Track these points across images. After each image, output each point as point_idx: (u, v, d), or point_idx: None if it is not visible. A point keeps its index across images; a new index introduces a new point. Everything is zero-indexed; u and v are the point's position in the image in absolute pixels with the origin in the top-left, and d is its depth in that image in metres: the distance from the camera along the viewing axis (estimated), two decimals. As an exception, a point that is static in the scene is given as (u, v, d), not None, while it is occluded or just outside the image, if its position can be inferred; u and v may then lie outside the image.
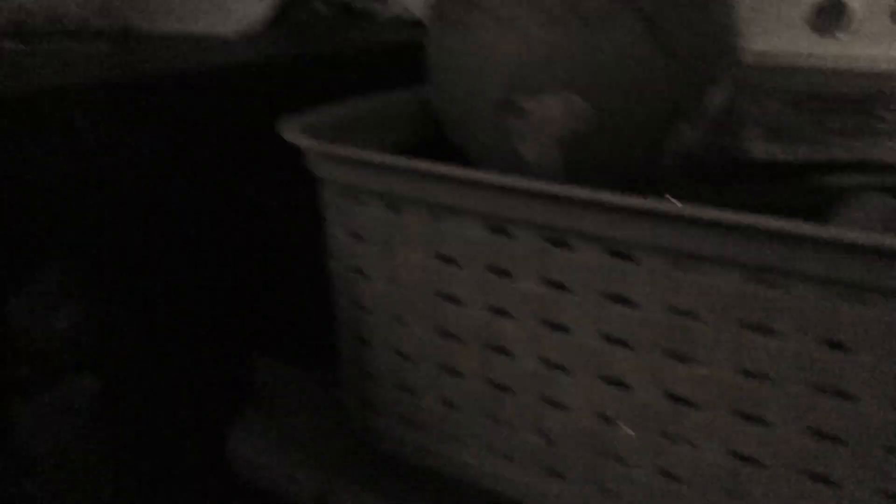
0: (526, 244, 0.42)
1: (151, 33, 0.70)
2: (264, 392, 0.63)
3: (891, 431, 0.34)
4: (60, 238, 0.55)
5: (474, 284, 0.45)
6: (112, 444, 0.63)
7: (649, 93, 0.51)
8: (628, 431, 0.42)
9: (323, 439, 0.56)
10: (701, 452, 0.39)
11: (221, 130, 0.59)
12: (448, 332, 0.47)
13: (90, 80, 0.53)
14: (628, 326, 0.40)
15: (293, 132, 0.48)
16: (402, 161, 0.45)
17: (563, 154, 0.51)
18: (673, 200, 0.50)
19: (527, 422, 0.45)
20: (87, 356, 0.65)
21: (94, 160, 0.55)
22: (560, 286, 0.42)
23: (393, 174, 0.45)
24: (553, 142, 0.51)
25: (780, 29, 0.76)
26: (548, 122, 0.51)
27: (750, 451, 0.38)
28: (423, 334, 0.48)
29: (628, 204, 0.37)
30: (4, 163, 0.50)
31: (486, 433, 0.48)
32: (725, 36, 0.56)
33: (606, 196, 0.37)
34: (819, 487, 0.37)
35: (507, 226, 0.42)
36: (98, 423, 0.65)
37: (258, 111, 0.53)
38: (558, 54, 0.50)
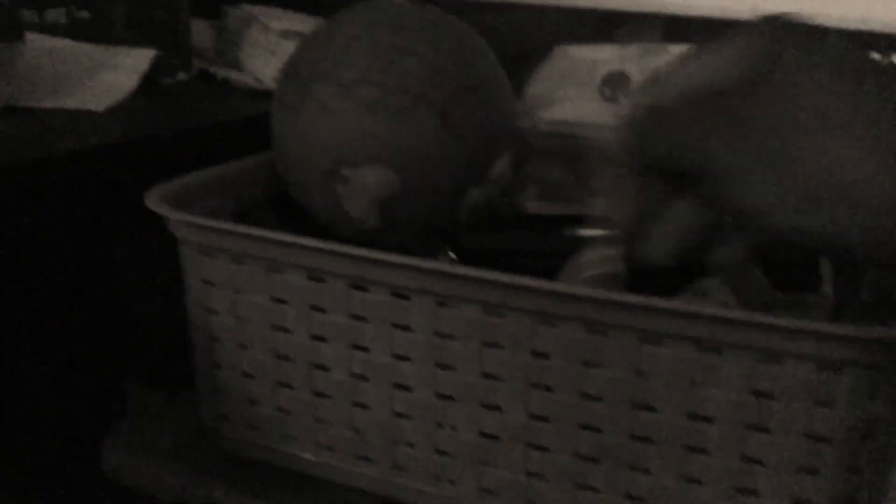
0: (336, 287, 0.53)
1: (34, 109, 0.74)
2: (134, 410, 0.72)
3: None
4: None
5: (299, 318, 0.55)
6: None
7: (444, 166, 0.61)
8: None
9: (182, 446, 0.64)
10: (461, 434, 0.53)
11: (98, 200, 0.67)
12: (281, 354, 0.57)
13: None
14: (409, 346, 0.52)
15: (155, 201, 0.56)
16: (239, 228, 0.54)
17: (379, 212, 0.61)
18: (451, 255, 0.64)
19: (342, 420, 0.57)
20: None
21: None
22: (362, 318, 0.53)
23: (234, 237, 0.54)
24: (371, 202, 0.61)
25: (576, 98, 0.80)
26: (366, 188, 0.60)
27: (491, 430, 0.52)
28: (262, 357, 0.57)
29: (401, 262, 0.49)
30: None
31: (313, 431, 0.58)
32: (506, 120, 0.66)
33: (385, 255, 0.50)
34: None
35: (322, 275, 0.53)
36: None
37: (131, 179, 0.60)
38: (371, 137, 0.59)
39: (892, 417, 0.44)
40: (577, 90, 0.83)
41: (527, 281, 0.47)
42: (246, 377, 0.59)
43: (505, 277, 0.48)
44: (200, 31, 0.96)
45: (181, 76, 0.90)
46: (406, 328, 0.53)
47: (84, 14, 0.87)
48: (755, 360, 0.44)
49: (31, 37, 0.80)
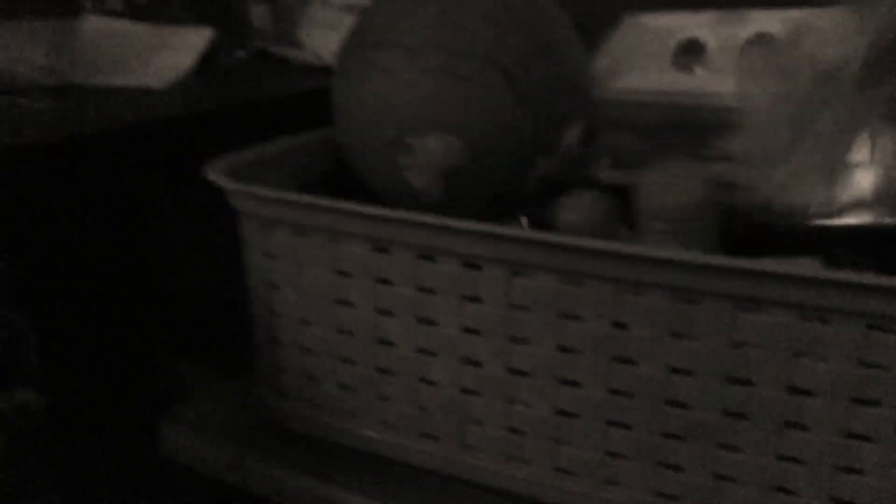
0: (402, 258, 0.51)
1: (92, 87, 0.74)
2: (191, 392, 0.71)
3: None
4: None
5: (363, 291, 0.53)
6: (56, 441, 0.69)
7: (512, 133, 0.58)
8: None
9: (240, 426, 0.63)
10: (533, 409, 0.51)
11: (158, 174, 0.67)
12: (343, 329, 0.55)
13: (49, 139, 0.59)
14: (479, 319, 0.50)
15: (216, 174, 0.55)
16: (303, 198, 0.53)
17: (444, 182, 0.59)
18: (522, 221, 0.61)
19: (406, 397, 0.55)
20: (30, 372, 0.71)
21: (47, 203, 0.61)
22: (429, 290, 0.51)
23: (297, 208, 0.53)
24: (435, 173, 0.59)
25: (648, 68, 0.77)
26: (430, 157, 0.58)
27: (568, 407, 0.50)
28: (324, 332, 0.56)
29: (474, 228, 0.47)
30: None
31: (376, 408, 0.56)
32: (578, 86, 0.63)
33: (455, 222, 0.48)
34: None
35: (388, 245, 0.51)
36: (44, 434, 0.71)
37: (190, 154, 0.59)
38: (437, 104, 0.57)
39: None
40: (649, 60, 0.80)
41: (608, 245, 0.44)
42: (307, 353, 0.58)
43: (585, 242, 0.45)
44: (258, 12, 0.95)
45: (239, 54, 0.90)
46: (476, 300, 0.50)
47: (142, 0, 0.87)
48: (865, 326, 0.40)
49: (91, 18, 0.80)
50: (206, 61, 0.84)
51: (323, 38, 0.89)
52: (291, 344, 0.58)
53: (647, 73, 0.75)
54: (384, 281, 0.53)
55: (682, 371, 0.46)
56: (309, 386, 0.59)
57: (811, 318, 0.42)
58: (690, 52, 0.76)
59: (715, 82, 0.73)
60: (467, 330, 0.51)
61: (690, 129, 0.68)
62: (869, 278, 0.39)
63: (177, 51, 0.82)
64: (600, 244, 0.45)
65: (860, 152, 0.53)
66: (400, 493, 0.55)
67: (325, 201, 0.52)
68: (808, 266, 0.46)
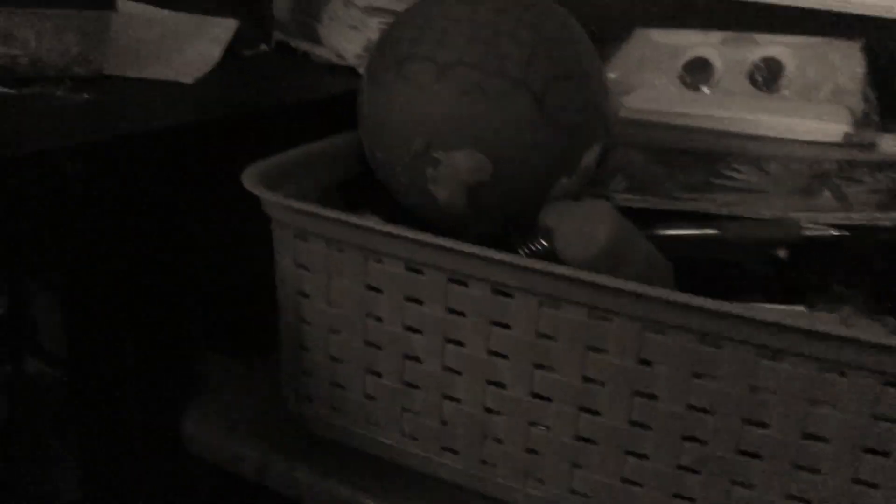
0: (434, 280, 0.52)
1: (124, 79, 0.75)
2: (213, 383, 0.72)
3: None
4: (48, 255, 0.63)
5: (393, 307, 0.54)
6: (80, 429, 0.71)
7: (537, 153, 0.59)
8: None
9: (264, 422, 0.64)
10: (554, 434, 0.52)
11: (192, 174, 0.68)
12: (371, 342, 0.56)
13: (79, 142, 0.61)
14: (506, 343, 0.52)
15: (252, 182, 0.56)
16: (339, 214, 0.53)
17: (467, 197, 0.60)
18: (539, 245, 0.62)
19: (429, 411, 0.56)
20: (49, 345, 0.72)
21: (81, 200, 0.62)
22: (458, 312, 0.52)
23: (330, 223, 0.54)
24: (460, 187, 0.60)
25: (656, 85, 0.80)
26: (456, 172, 0.59)
27: (587, 433, 0.52)
28: (352, 343, 0.57)
29: (505, 259, 0.49)
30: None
31: (398, 420, 0.58)
32: (600, 109, 0.64)
33: (488, 252, 0.49)
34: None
35: (420, 266, 0.52)
36: (65, 412, 0.72)
37: (224, 154, 0.61)
38: (466, 120, 0.58)
39: None
40: (657, 76, 0.82)
41: (631, 286, 0.46)
42: (333, 361, 0.59)
43: (614, 282, 0.47)
44: (280, 4, 0.95)
45: (262, 48, 0.89)
46: (505, 326, 0.52)
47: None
48: (882, 383, 0.43)
49: (122, 4, 0.80)
50: (229, 53, 0.84)
51: (345, 38, 0.89)
52: (318, 351, 0.60)
53: (656, 90, 0.76)
54: (414, 300, 0.54)
55: (701, 409, 0.48)
56: (334, 392, 0.60)
57: (829, 370, 0.44)
58: (698, 70, 0.77)
59: (720, 104, 0.74)
60: (493, 353, 0.53)
61: (700, 156, 0.69)
62: (886, 338, 0.41)
63: (205, 42, 0.82)
64: (624, 284, 0.46)
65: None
66: (417, 501, 0.57)
67: (358, 219, 0.53)
68: (827, 320, 0.48)
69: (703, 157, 0.69)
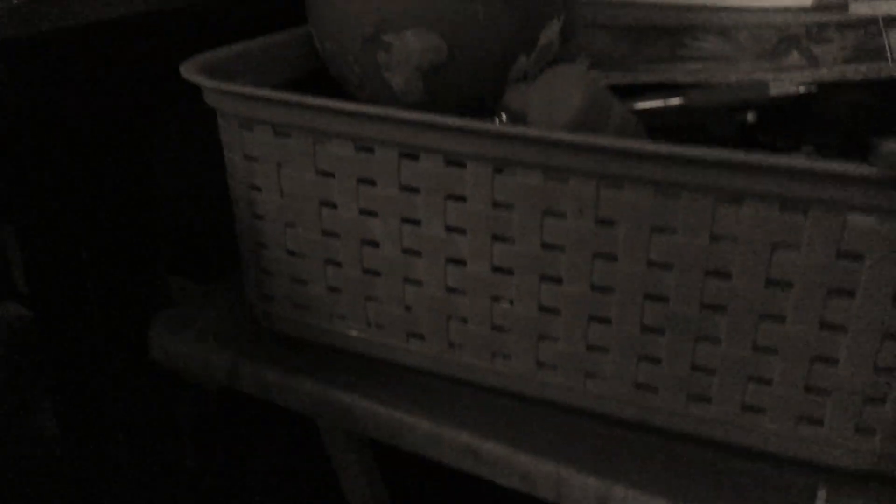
0: (385, 158, 0.51)
1: None
2: (175, 301, 0.71)
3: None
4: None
5: (347, 192, 0.53)
6: (51, 364, 0.69)
7: (492, 29, 0.57)
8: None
9: (228, 328, 0.63)
10: (518, 308, 0.52)
11: (131, 73, 0.65)
12: (329, 231, 0.55)
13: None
14: (463, 217, 0.50)
15: (192, 72, 0.54)
16: (284, 95, 0.51)
17: (423, 82, 0.58)
18: (501, 118, 0.60)
19: (392, 297, 0.55)
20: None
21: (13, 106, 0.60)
22: (413, 189, 0.51)
23: (277, 106, 0.52)
24: (415, 71, 0.58)
25: None
26: (409, 55, 0.57)
27: (550, 303, 0.51)
28: (309, 235, 0.56)
29: (457, 124, 0.47)
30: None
31: (362, 310, 0.57)
32: None
33: (440, 118, 0.47)
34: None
35: (371, 144, 0.51)
36: (31, 345, 0.71)
37: (165, 53, 0.58)
38: None
39: None
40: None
41: (589, 139, 0.44)
42: (292, 256, 0.58)
43: (569, 137, 0.45)
44: None
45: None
46: (460, 199, 0.50)
47: None
48: (844, 217, 0.41)
49: None
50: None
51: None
52: (276, 247, 0.58)
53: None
54: (368, 181, 0.53)
55: (662, 265, 0.46)
56: (296, 288, 0.59)
57: (791, 209, 0.42)
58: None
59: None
60: (451, 229, 0.51)
61: (666, 30, 0.67)
62: (851, 167, 0.39)
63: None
64: (581, 138, 0.44)
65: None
66: (387, 390, 0.56)
67: (306, 98, 0.51)
68: (791, 157, 0.46)
69: (669, 30, 0.67)
